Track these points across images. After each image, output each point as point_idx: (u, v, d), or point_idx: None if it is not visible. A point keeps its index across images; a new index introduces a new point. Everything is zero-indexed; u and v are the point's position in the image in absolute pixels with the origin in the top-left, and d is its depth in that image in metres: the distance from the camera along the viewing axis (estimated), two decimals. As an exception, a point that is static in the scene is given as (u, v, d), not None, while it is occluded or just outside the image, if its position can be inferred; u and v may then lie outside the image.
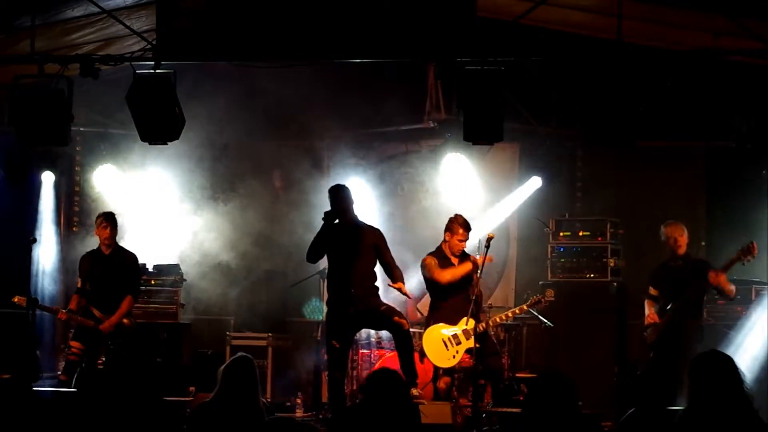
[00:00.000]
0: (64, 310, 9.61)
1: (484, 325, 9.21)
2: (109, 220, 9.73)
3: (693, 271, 9.22)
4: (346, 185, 9.28)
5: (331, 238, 8.94)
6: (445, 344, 9.31)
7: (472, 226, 9.52)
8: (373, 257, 9.04)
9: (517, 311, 9.63)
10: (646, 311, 9.43)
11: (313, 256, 9.09)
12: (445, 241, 9.50)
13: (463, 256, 9.43)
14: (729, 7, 8.17)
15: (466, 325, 9.13)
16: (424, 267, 9.51)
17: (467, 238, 9.40)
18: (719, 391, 4.58)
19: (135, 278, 9.84)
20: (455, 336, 9.24)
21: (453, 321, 9.28)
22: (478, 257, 9.27)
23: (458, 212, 9.69)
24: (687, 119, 11.29)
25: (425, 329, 9.48)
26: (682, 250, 9.27)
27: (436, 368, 9.46)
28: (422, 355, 9.53)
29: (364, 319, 9.05)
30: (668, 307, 9.21)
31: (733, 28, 8.15)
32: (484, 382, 9.77)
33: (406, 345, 8.93)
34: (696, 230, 11.13)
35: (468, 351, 9.16)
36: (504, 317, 9.56)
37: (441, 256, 9.46)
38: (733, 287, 9.22)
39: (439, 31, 8.06)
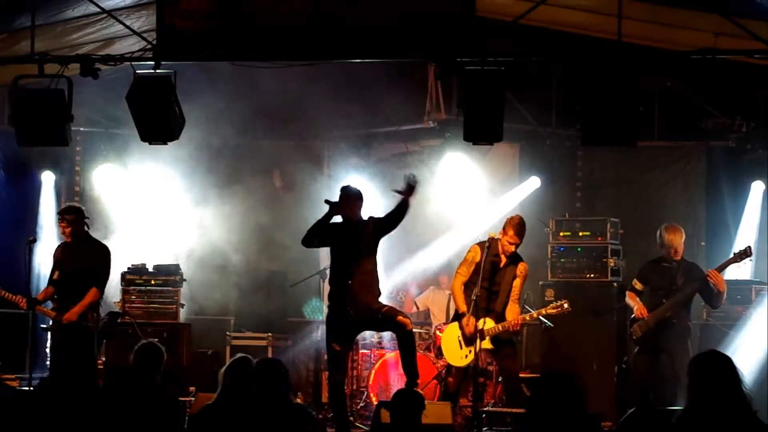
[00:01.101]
0: (25, 299, 9.41)
1: (500, 327, 9.15)
2: (64, 212, 9.68)
3: (685, 272, 9.24)
4: (359, 189, 9.15)
5: (334, 237, 8.87)
6: (459, 343, 9.29)
7: (525, 232, 9.32)
8: (374, 256, 8.93)
9: (535, 315, 9.51)
10: (632, 303, 9.43)
11: (308, 239, 8.81)
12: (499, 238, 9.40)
13: (514, 259, 9.29)
14: (728, 7, 8.17)
15: (484, 325, 9.04)
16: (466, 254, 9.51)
17: (517, 243, 9.24)
18: (718, 392, 4.58)
19: (102, 270, 9.66)
20: (466, 336, 9.20)
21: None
22: (521, 267, 9.28)
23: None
24: (687, 119, 11.30)
25: None
26: (679, 256, 9.29)
27: (449, 365, 9.46)
28: (440, 351, 9.53)
29: (365, 321, 8.96)
30: (659, 304, 9.23)
31: (733, 28, 8.15)
32: (484, 381, 9.77)
33: (409, 345, 8.86)
34: (696, 230, 11.15)
35: (487, 350, 9.12)
36: (520, 322, 9.45)
37: (488, 250, 9.23)
38: (725, 289, 9.22)
39: (439, 31, 8.06)
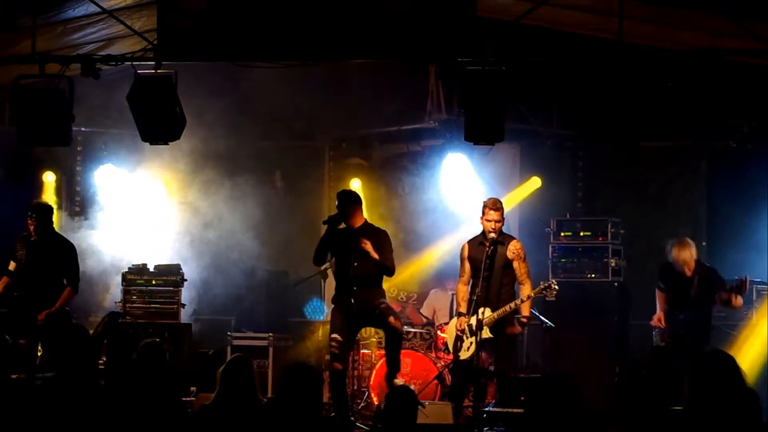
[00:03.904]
0: None
1: (495, 315, 8.95)
2: (33, 209, 9.66)
3: (701, 284, 9.18)
4: (353, 191, 9.39)
5: (337, 240, 9.07)
6: (459, 336, 9.14)
7: (502, 206, 9.05)
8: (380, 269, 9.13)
9: (525, 298, 9.17)
10: (657, 305, 9.39)
11: (317, 259, 9.28)
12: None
13: (501, 242, 8.97)
14: (729, 7, 8.17)
15: (482, 315, 8.79)
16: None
17: (498, 219, 8.89)
18: (720, 390, 4.58)
19: (73, 269, 9.68)
20: (470, 327, 8.92)
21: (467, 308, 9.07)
22: (512, 246, 8.98)
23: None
24: (687, 119, 11.30)
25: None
26: (690, 272, 9.23)
27: (455, 360, 9.32)
28: (446, 347, 9.47)
29: (365, 316, 9.09)
30: (678, 318, 9.20)
31: (734, 28, 8.15)
32: (485, 381, 9.73)
33: (394, 344, 8.97)
34: (697, 231, 11.14)
35: (483, 341, 8.87)
36: (513, 305, 9.21)
37: (478, 242, 9.09)
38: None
39: (439, 31, 8.05)
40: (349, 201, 9.13)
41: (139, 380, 6.08)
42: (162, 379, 6.16)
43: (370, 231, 9.15)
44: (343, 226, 9.06)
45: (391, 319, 8.86)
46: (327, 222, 9.11)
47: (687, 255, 9.18)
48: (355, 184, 12.13)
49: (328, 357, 9.64)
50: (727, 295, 9.00)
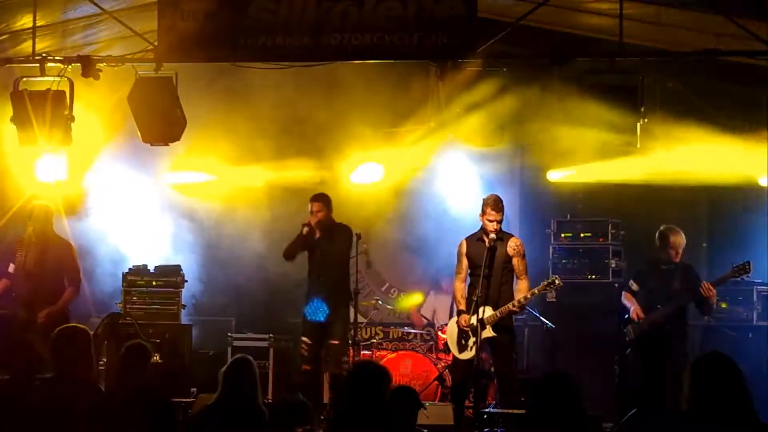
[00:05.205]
0: None
1: (498, 313, 8.88)
2: (32, 212, 9.57)
3: (682, 276, 9.21)
4: (325, 194, 9.84)
5: (309, 244, 9.53)
6: (461, 335, 9.05)
7: (503, 206, 9.02)
8: (344, 262, 9.59)
9: (528, 296, 8.96)
10: (628, 304, 9.39)
11: (288, 252, 9.78)
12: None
13: (501, 239, 8.94)
14: (729, 7, 8.17)
15: (483, 314, 8.69)
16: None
17: (498, 219, 8.88)
18: (720, 392, 4.58)
19: (75, 270, 9.63)
20: (471, 326, 8.79)
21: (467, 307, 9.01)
22: (511, 243, 8.95)
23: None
24: (687, 119, 11.29)
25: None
26: (678, 258, 9.27)
27: (455, 360, 9.29)
28: (447, 347, 9.47)
29: (324, 328, 9.55)
30: (656, 309, 9.21)
31: (735, 29, 8.15)
32: (486, 382, 9.72)
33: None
34: (697, 231, 11.13)
35: (485, 340, 8.81)
36: (516, 303, 9.15)
37: (476, 239, 9.05)
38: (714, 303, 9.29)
39: (440, 31, 8.06)
40: (320, 204, 9.60)
41: (124, 381, 6.08)
42: (147, 380, 6.17)
43: (338, 230, 9.68)
44: (316, 231, 9.53)
45: (334, 341, 9.54)
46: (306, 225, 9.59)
47: (681, 240, 9.28)
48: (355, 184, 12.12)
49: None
50: (708, 287, 9.04)
